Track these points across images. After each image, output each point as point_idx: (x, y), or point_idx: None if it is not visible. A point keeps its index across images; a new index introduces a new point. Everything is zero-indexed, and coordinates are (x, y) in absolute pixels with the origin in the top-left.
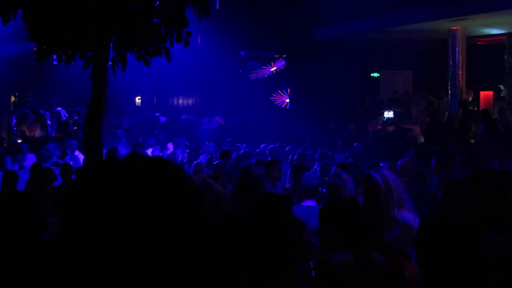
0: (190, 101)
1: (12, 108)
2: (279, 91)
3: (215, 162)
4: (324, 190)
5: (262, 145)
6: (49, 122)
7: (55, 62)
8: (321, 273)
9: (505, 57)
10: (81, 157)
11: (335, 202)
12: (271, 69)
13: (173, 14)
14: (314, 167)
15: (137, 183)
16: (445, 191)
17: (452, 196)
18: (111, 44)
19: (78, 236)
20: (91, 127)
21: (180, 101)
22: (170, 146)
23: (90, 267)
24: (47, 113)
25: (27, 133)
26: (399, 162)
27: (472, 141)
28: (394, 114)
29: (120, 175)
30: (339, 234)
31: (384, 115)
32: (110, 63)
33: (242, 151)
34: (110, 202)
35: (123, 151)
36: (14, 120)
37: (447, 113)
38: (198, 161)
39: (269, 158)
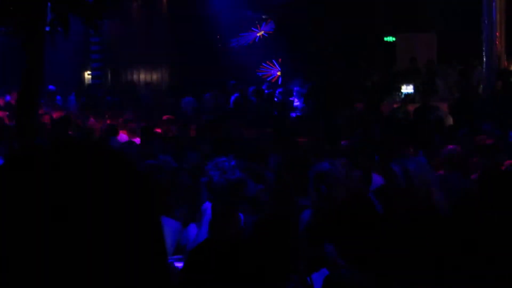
0: (154, 76)
1: None
2: (267, 62)
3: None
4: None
5: None
6: None
7: None
8: None
9: None
10: None
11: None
12: (258, 34)
13: None
14: None
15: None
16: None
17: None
18: (49, 4)
19: None
20: (23, 112)
21: (142, 76)
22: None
23: None
24: None
25: None
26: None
27: None
28: (414, 89)
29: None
30: None
31: (402, 91)
32: (47, 28)
33: None
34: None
35: None
36: None
37: (481, 86)
38: None
39: None
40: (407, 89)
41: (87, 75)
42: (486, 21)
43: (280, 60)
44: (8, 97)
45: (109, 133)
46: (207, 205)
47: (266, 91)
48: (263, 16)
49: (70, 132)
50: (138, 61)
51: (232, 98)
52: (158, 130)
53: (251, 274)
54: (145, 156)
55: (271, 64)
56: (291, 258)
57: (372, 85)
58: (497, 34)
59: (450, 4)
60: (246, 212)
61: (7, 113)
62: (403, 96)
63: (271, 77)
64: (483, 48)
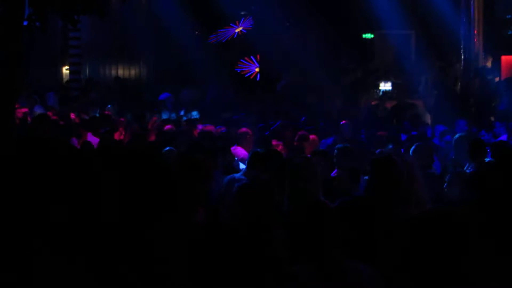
0: (133, 72)
1: None
2: (246, 58)
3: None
4: None
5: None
6: None
7: None
8: None
9: None
10: None
11: None
12: (236, 30)
13: None
14: None
15: None
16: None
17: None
18: None
19: None
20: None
21: (120, 71)
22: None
23: None
24: None
25: None
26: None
27: (492, 118)
28: (392, 86)
29: None
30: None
31: (380, 88)
32: (25, 23)
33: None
34: None
35: None
36: None
37: (459, 84)
38: None
39: None
40: (385, 86)
41: (65, 70)
42: (464, 19)
43: (258, 56)
44: None
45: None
46: None
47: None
48: (242, 12)
49: (48, 129)
50: (117, 56)
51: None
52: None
53: None
54: None
55: (249, 60)
56: None
57: (351, 82)
58: (475, 32)
59: (428, 1)
60: None
61: None
62: (381, 93)
63: (249, 73)
64: (461, 45)
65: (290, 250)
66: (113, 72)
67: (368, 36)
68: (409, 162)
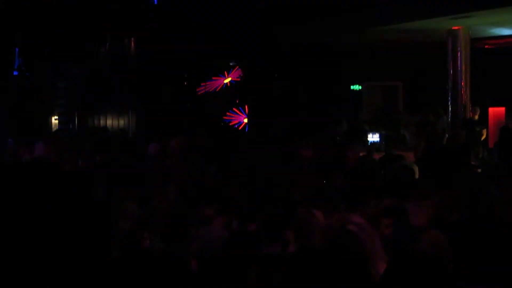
0: (121, 122)
1: None
2: (234, 109)
3: None
4: None
5: None
6: None
7: None
8: None
9: None
10: None
11: None
12: (225, 81)
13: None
14: None
15: None
16: None
17: None
18: (17, 49)
19: None
20: None
21: (109, 121)
22: None
23: None
24: None
25: None
26: None
27: (479, 170)
28: (380, 137)
29: None
30: None
31: (368, 139)
32: (16, 73)
33: None
34: None
35: None
36: None
37: (446, 135)
38: None
39: None
40: (373, 137)
41: (54, 120)
42: (451, 71)
43: (246, 107)
44: None
45: None
46: None
47: None
48: (231, 63)
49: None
50: (105, 106)
51: None
52: None
53: None
54: None
55: (238, 111)
56: None
57: (339, 133)
58: (462, 83)
59: (415, 53)
60: None
61: None
62: (369, 144)
63: (238, 124)
64: (449, 97)
65: None
66: (102, 121)
67: (356, 87)
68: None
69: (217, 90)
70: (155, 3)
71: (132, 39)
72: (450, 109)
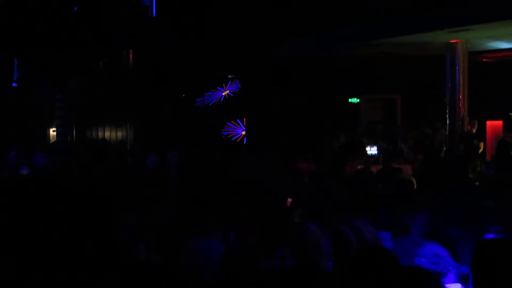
0: (120, 134)
1: None
2: (232, 122)
3: None
4: None
5: None
6: None
7: None
8: None
9: None
10: None
11: None
12: (223, 94)
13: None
14: None
15: None
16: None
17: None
18: (16, 62)
19: None
20: None
21: (107, 133)
22: None
23: None
24: None
25: None
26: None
27: (477, 183)
28: (378, 150)
29: None
30: None
31: (366, 152)
32: (15, 84)
33: None
34: None
35: None
36: None
37: (444, 148)
38: None
39: None
40: (371, 150)
41: (52, 131)
42: (449, 84)
43: (244, 119)
44: None
45: None
46: None
47: None
48: (229, 76)
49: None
50: (104, 118)
51: None
52: None
53: None
54: None
55: (236, 124)
56: None
57: (338, 146)
58: (460, 97)
59: (413, 66)
60: None
61: None
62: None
63: (236, 137)
64: (447, 111)
65: None
66: (100, 133)
67: (354, 100)
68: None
69: (216, 102)
70: (154, 15)
71: (131, 51)
72: (448, 122)
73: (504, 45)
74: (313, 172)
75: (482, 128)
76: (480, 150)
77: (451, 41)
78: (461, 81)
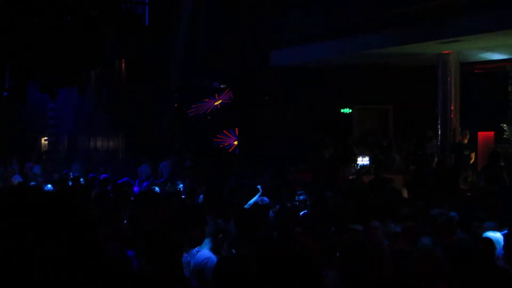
0: (111, 144)
1: None
2: (224, 131)
3: None
4: None
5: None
6: None
7: None
8: None
9: (509, 88)
10: None
11: None
12: (215, 103)
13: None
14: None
15: None
16: None
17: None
18: (7, 70)
19: None
20: None
21: (99, 143)
22: None
23: None
24: None
25: None
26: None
27: (469, 194)
28: (370, 160)
29: None
30: None
31: (358, 162)
32: (6, 93)
33: None
34: None
35: None
36: None
37: (436, 159)
38: None
39: None
40: (363, 160)
41: (44, 140)
42: (441, 95)
43: (236, 129)
44: None
45: None
46: None
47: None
48: (221, 86)
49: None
50: (95, 127)
51: None
52: None
53: None
54: None
55: (228, 133)
56: None
57: (329, 156)
58: (452, 107)
59: (405, 77)
60: None
61: None
62: (358, 167)
63: (228, 146)
64: (438, 121)
65: None
66: (91, 143)
67: (347, 110)
68: None
69: (208, 112)
70: (146, 24)
71: (123, 60)
72: (439, 132)
73: (495, 56)
74: (305, 182)
75: (474, 139)
76: (472, 161)
77: (443, 52)
78: (453, 92)
